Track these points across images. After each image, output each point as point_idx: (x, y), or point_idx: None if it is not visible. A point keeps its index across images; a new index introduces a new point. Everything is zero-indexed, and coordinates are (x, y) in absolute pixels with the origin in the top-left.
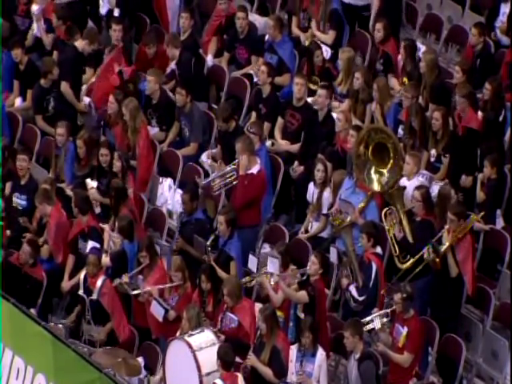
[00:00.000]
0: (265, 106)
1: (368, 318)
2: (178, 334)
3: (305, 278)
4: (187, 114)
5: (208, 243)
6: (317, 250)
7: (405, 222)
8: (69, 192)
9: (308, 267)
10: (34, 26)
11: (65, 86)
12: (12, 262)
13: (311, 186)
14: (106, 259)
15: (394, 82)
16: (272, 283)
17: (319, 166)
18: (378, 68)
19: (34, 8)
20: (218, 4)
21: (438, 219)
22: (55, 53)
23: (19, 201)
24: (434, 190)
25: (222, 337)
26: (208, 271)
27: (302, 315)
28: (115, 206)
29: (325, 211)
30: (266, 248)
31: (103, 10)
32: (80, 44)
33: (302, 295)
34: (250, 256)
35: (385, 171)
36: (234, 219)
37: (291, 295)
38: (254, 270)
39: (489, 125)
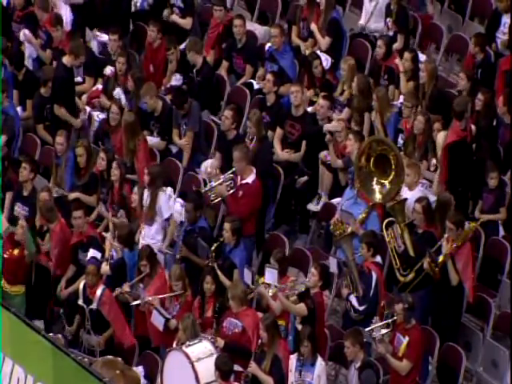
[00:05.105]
0: (269, 115)
1: (368, 329)
2: (174, 343)
3: (304, 290)
4: (186, 113)
5: (212, 249)
6: (317, 262)
7: (406, 236)
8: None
9: (307, 279)
10: (26, 51)
11: (58, 109)
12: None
13: None
14: (105, 268)
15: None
16: (270, 294)
17: None
18: (382, 84)
19: (21, 34)
20: (214, 11)
21: (439, 228)
22: (54, 62)
23: (21, 211)
24: (433, 198)
25: (221, 345)
26: (214, 273)
27: (299, 327)
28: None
29: None
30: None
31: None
32: (67, 60)
33: (301, 308)
34: (245, 270)
35: (386, 182)
36: (240, 228)
37: (290, 308)
38: (249, 282)
39: (481, 134)
